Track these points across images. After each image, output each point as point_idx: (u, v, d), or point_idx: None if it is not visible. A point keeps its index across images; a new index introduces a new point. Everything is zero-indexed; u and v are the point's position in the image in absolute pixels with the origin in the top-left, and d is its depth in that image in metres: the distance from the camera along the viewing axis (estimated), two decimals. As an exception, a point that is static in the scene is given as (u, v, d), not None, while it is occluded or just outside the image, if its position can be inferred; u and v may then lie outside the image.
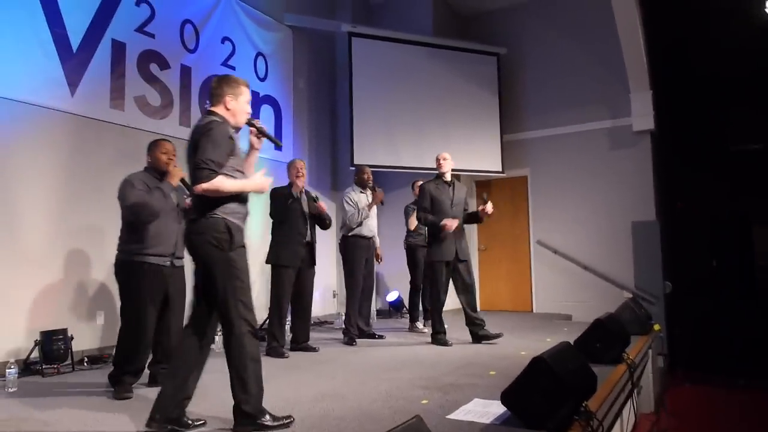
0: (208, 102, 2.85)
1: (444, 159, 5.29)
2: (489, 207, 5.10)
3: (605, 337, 3.84)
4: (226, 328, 2.61)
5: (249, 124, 2.83)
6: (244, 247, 2.69)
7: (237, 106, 2.76)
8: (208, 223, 2.59)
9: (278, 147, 2.95)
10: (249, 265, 2.73)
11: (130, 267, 3.44)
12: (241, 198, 2.70)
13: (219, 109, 2.74)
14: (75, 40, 4.79)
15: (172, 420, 2.56)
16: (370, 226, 5.50)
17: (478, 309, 5.27)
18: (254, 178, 2.77)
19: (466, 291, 5.16)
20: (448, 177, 5.28)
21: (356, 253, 5.40)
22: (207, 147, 2.54)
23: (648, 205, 7.44)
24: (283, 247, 4.80)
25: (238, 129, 2.81)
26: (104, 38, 5.02)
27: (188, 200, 3.53)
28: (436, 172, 5.37)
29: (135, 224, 3.47)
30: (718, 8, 7.12)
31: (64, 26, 4.70)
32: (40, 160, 4.52)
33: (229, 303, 2.58)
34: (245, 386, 2.55)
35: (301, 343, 4.92)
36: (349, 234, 5.42)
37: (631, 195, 7.52)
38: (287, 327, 5.01)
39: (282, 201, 4.88)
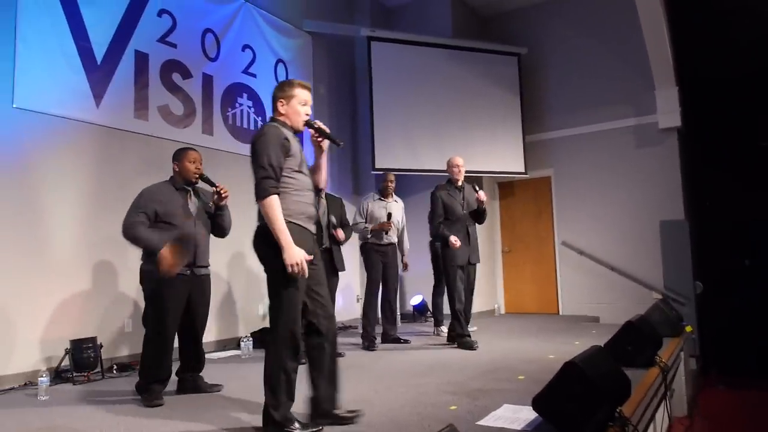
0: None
1: (462, 167, 5.31)
2: (482, 194, 5.17)
3: (637, 339, 3.75)
4: (270, 333, 2.62)
5: (307, 125, 2.80)
6: (306, 250, 2.59)
7: (289, 109, 2.75)
8: (265, 227, 2.58)
9: (340, 146, 2.85)
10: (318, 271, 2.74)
11: (152, 276, 3.44)
12: (303, 197, 2.70)
13: (275, 115, 2.79)
14: (99, 52, 4.86)
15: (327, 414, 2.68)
16: (388, 236, 5.51)
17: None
18: (295, 249, 2.53)
19: (468, 293, 5.29)
20: (460, 183, 5.31)
21: (372, 259, 5.46)
22: (256, 155, 2.60)
23: (676, 204, 7.29)
24: None
25: (297, 132, 2.81)
26: (128, 49, 5.10)
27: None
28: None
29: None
30: (746, 3, 6.96)
31: (88, 39, 4.79)
32: (68, 171, 4.60)
33: (276, 310, 2.60)
34: (276, 393, 2.54)
35: None
36: (368, 240, 5.48)
37: (658, 194, 7.38)
38: None
39: None
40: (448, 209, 5.20)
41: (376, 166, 7.20)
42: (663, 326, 4.76)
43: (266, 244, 2.58)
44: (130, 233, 3.42)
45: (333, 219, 5.04)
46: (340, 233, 5.02)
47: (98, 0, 4.88)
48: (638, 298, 7.05)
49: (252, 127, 6.34)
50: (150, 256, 3.41)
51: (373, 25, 7.88)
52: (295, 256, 2.51)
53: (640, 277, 7.35)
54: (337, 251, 5.03)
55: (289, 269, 2.50)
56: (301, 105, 2.76)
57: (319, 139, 2.82)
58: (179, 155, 3.67)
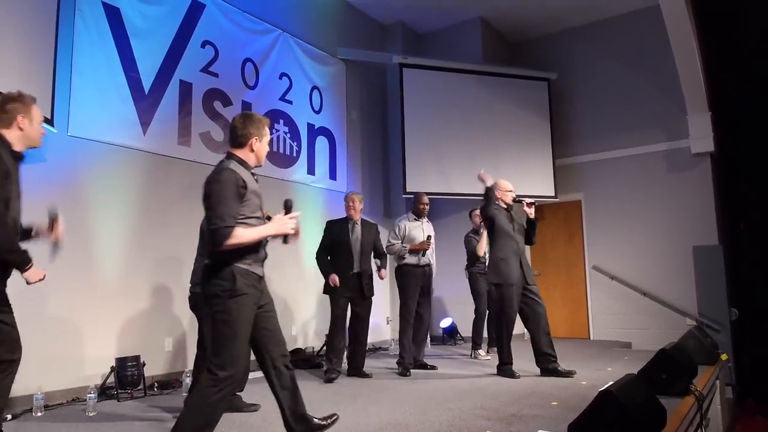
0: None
1: (511, 191, 5.18)
2: (527, 201, 5.06)
3: (671, 367, 3.75)
4: (212, 373, 2.48)
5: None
6: (245, 295, 2.55)
7: (261, 148, 2.73)
8: (215, 270, 2.55)
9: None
10: (250, 313, 2.61)
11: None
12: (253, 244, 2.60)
13: (238, 152, 2.69)
14: (147, 82, 5.12)
15: None
16: (426, 257, 5.46)
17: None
18: (275, 219, 2.67)
19: (536, 318, 4.94)
20: (507, 204, 5.16)
21: (409, 282, 5.37)
22: (211, 201, 2.53)
23: (710, 229, 7.22)
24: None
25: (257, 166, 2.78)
26: (173, 79, 5.36)
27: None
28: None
29: None
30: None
31: (137, 70, 5.05)
32: (116, 194, 4.84)
33: (219, 349, 2.51)
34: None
35: (354, 369, 5.06)
36: (402, 263, 5.43)
37: (691, 218, 7.33)
38: (345, 353, 5.18)
39: (333, 232, 5.11)
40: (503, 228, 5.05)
41: (408, 190, 7.32)
42: (698, 354, 4.71)
43: (212, 285, 2.55)
44: None
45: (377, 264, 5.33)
46: (384, 274, 5.28)
47: (147, 33, 5.16)
48: (671, 325, 6.98)
49: (288, 152, 6.53)
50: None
51: (404, 52, 8.07)
52: (281, 223, 2.64)
53: (673, 303, 7.28)
54: (366, 277, 5.11)
55: (290, 231, 2.66)
56: (267, 144, 2.78)
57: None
58: None
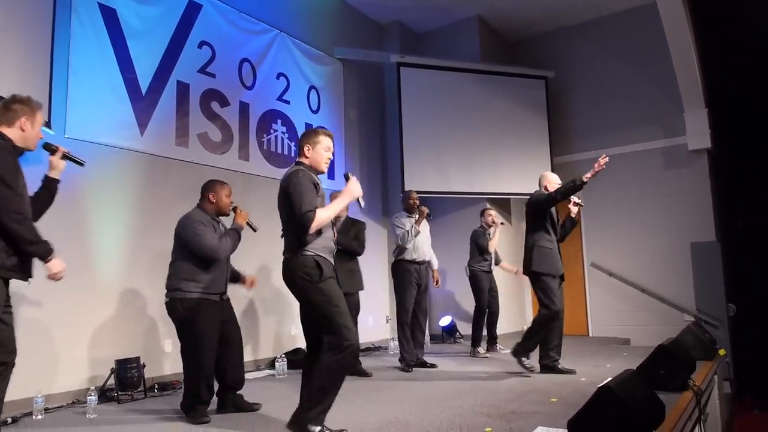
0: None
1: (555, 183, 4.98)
2: (574, 201, 4.86)
3: (670, 363, 3.76)
4: (334, 346, 2.81)
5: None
6: (333, 278, 2.94)
7: (315, 154, 3.06)
8: (298, 261, 2.87)
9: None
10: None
11: (195, 304, 3.57)
12: (324, 236, 2.96)
13: (302, 158, 3.08)
14: (144, 83, 5.12)
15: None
16: (422, 250, 5.49)
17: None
18: (347, 187, 3.04)
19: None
20: None
21: (405, 278, 5.39)
22: (292, 198, 2.87)
23: (707, 225, 7.25)
24: None
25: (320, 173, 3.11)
26: (170, 80, 5.35)
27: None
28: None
29: (204, 263, 3.62)
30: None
31: (134, 71, 5.04)
32: (114, 196, 4.84)
33: (332, 324, 2.81)
34: (323, 398, 2.77)
35: (350, 368, 5.04)
36: (399, 258, 5.45)
37: (688, 215, 7.36)
38: None
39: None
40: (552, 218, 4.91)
41: (406, 189, 7.32)
42: (696, 349, 4.74)
43: (299, 275, 2.88)
44: (215, 246, 3.63)
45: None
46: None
47: (144, 34, 5.16)
48: (670, 321, 7.01)
49: (285, 152, 6.54)
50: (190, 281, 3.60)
51: (402, 51, 8.07)
52: (351, 187, 3.01)
53: (671, 299, 7.30)
54: (346, 271, 5.02)
55: (360, 193, 3.03)
56: (325, 151, 3.07)
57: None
58: (216, 187, 3.81)
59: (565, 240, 5.13)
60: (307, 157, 3.05)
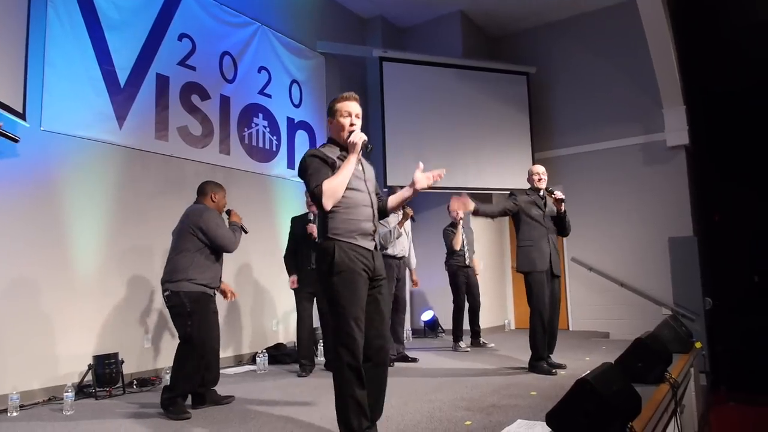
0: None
1: (542, 174, 4.89)
2: (558, 194, 4.70)
3: (647, 356, 3.82)
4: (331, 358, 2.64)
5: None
6: (353, 270, 2.56)
7: (334, 126, 2.77)
8: (319, 248, 2.65)
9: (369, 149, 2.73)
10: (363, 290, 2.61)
11: (199, 296, 3.65)
12: (353, 215, 2.62)
13: (328, 134, 2.88)
14: (123, 76, 5.04)
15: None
16: (401, 246, 5.50)
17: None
18: (348, 141, 2.66)
19: (554, 310, 4.77)
20: (541, 193, 4.84)
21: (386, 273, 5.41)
22: (305, 181, 2.67)
23: (685, 221, 7.36)
24: (299, 273, 5.05)
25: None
26: (149, 73, 5.27)
27: None
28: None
29: (216, 255, 3.77)
30: (754, 20, 7.08)
31: (112, 63, 4.96)
32: (92, 190, 4.76)
33: (335, 330, 2.57)
34: (339, 407, 2.55)
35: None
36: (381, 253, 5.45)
37: (666, 210, 7.46)
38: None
39: (296, 228, 5.16)
40: (528, 214, 4.74)
41: (388, 184, 7.32)
42: (673, 343, 4.81)
43: (320, 263, 2.62)
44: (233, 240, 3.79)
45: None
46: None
47: (122, 25, 5.07)
48: (648, 314, 7.11)
49: (267, 146, 6.49)
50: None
51: (384, 46, 8.06)
52: (351, 139, 2.64)
53: (649, 293, 7.41)
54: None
55: (364, 137, 2.65)
56: (343, 117, 2.73)
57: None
58: (217, 190, 3.96)
59: (565, 234, 5.03)
60: (331, 132, 2.81)
